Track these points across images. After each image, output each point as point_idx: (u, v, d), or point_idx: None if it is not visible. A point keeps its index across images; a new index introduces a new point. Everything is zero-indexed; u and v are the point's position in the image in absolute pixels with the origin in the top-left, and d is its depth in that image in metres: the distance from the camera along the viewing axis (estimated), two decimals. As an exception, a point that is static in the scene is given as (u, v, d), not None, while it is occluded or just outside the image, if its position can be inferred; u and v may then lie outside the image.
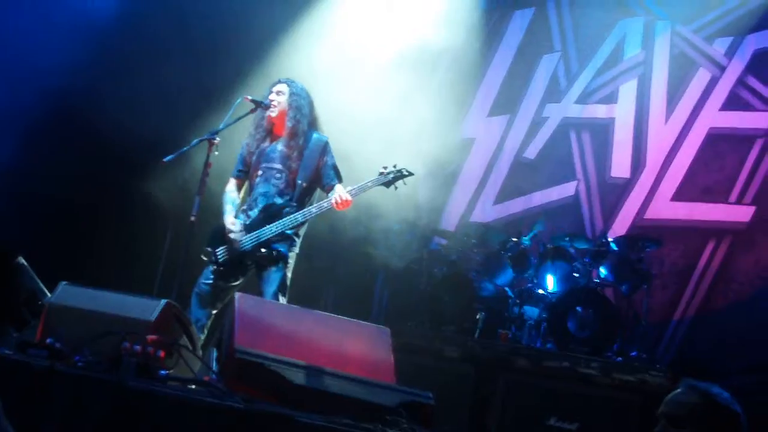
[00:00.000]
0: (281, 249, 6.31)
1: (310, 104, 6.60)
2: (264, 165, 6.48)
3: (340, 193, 6.23)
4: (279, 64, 9.02)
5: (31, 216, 8.28)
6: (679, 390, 3.65)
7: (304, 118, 6.50)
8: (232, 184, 6.63)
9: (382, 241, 9.22)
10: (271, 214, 6.33)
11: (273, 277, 6.29)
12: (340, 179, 6.45)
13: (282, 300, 6.23)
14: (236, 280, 6.40)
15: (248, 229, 6.35)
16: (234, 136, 6.69)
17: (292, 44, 9.48)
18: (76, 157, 8.51)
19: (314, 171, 6.44)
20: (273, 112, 6.52)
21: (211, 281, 6.36)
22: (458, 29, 10.32)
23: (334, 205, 6.21)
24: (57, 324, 4.70)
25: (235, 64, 9.26)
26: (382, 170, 6.33)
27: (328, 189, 6.39)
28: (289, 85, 6.59)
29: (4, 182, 8.12)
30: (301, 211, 6.30)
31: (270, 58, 9.32)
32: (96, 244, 8.87)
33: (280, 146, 6.49)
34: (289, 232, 6.33)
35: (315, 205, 6.34)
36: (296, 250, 6.45)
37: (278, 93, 6.56)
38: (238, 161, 6.66)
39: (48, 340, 4.53)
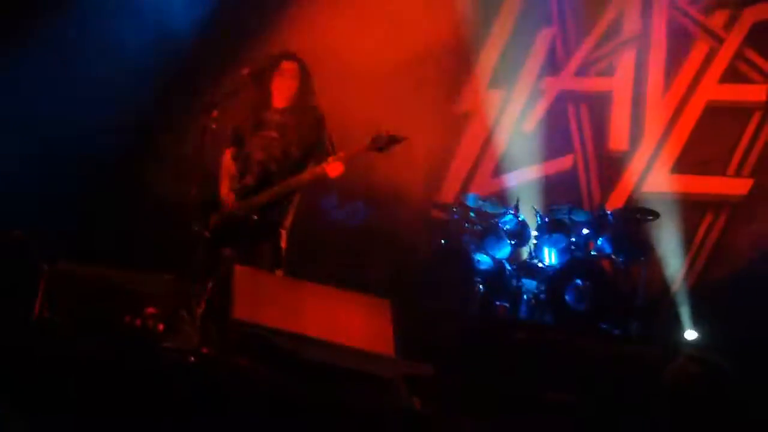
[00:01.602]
0: (274, 216, 6.31)
1: (312, 79, 6.59)
2: (261, 133, 6.46)
3: (332, 159, 6.22)
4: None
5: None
6: (679, 361, 3.66)
7: (306, 94, 6.50)
8: (228, 155, 6.61)
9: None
10: (264, 181, 6.32)
11: (266, 247, 6.29)
12: (335, 152, 6.43)
13: (278, 271, 6.22)
14: (230, 249, 6.38)
15: (241, 196, 6.34)
16: (232, 109, 6.66)
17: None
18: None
19: (310, 143, 6.43)
20: (279, 89, 6.50)
21: (205, 251, 6.35)
22: (457, 2, 10.32)
23: (327, 170, 6.20)
24: (55, 298, 4.71)
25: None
26: (375, 135, 6.29)
27: (323, 160, 6.37)
28: (300, 67, 6.57)
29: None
30: (294, 178, 6.29)
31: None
32: (97, 219, 8.91)
33: (278, 116, 6.47)
34: (281, 200, 6.33)
35: (308, 171, 6.31)
36: (290, 218, 6.44)
37: (290, 74, 6.52)
38: (234, 130, 6.64)
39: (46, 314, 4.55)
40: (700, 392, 3.54)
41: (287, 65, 6.51)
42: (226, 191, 6.40)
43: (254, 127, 6.50)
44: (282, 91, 6.49)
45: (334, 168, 6.18)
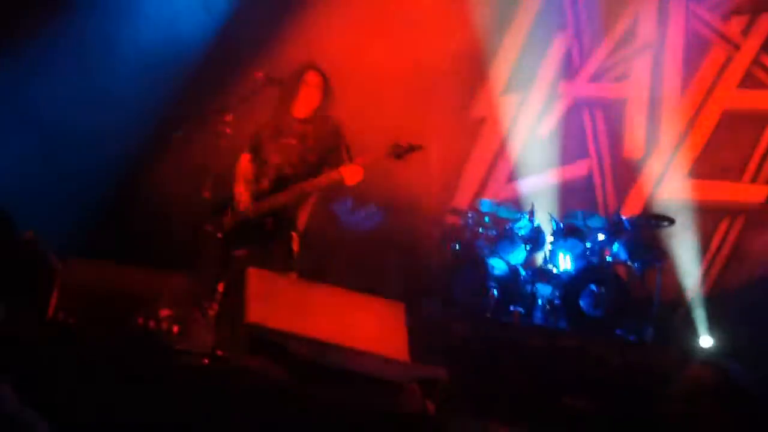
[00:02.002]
0: (287, 219, 6.31)
1: (332, 90, 6.60)
2: (280, 141, 6.47)
3: (349, 165, 6.22)
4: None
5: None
6: (693, 366, 3.65)
7: (327, 105, 6.52)
8: (244, 159, 6.62)
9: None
10: (279, 184, 6.33)
11: (279, 249, 6.29)
12: (351, 159, 6.43)
13: (291, 273, 6.21)
14: (243, 250, 6.38)
15: (256, 198, 6.35)
16: (247, 113, 6.66)
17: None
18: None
19: (327, 150, 6.43)
20: (302, 101, 6.51)
21: (218, 252, 6.35)
22: (472, 8, 10.31)
23: (345, 176, 6.20)
24: (69, 299, 4.71)
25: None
26: (394, 143, 6.30)
27: (338, 166, 6.37)
28: (323, 79, 6.58)
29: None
30: (309, 181, 6.29)
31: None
32: (113, 218, 8.95)
33: (298, 125, 6.48)
34: (296, 203, 6.33)
35: (324, 175, 6.31)
36: (303, 221, 6.44)
37: (317, 88, 6.54)
38: (253, 136, 6.65)
39: (60, 315, 4.55)
40: (713, 399, 3.53)
41: (313, 77, 6.52)
42: (240, 192, 6.41)
43: (273, 134, 6.52)
44: (306, 102, 6.50)
45: (353, 174, 6.18)
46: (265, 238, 6.33)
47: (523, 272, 9.00)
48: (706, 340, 8.65)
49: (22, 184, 8.01)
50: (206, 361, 4.46)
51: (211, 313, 5.64)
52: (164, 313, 4.48)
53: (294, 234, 6.38)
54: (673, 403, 3.65)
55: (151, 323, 4.43)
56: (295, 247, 6.38)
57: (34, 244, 5.25)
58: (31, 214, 5.91)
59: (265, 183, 6.40)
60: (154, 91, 9.01)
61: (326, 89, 6.55)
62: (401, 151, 6.20)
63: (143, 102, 8.91)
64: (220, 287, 6.28)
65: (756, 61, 9.72)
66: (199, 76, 9.30)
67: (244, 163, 6.60)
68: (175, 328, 4.49)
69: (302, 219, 6.46)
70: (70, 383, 4.08)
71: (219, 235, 6.33)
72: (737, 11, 9.91)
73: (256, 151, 6.58)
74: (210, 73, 9.19)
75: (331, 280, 6.17)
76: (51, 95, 8.59)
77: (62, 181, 8.47)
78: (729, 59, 9.86)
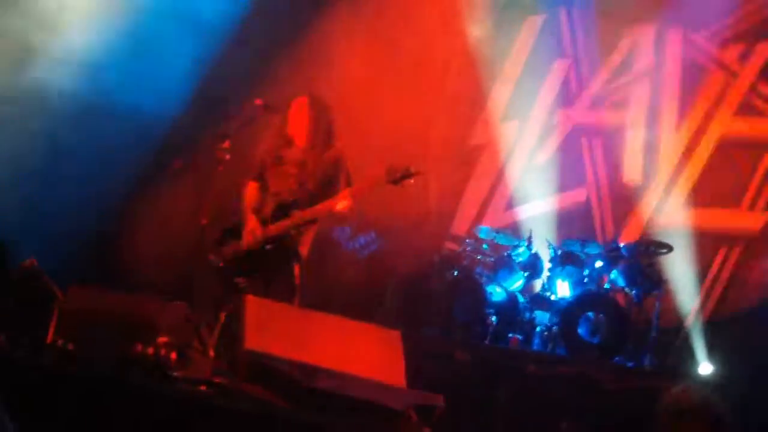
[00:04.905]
0: (289, 247, 6.33)
1: (329, 117, 6.63)
2: (280, 168, 6.51)
3: (343, 197, 6.22)
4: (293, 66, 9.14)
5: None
6: (678, 389, 3.73)
7: (322, 130, 6.53)
8: (251, 188, 6.64)
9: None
10: (279, 212, 6.35)
11: (281, 279, 6.30)
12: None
13: (292, 302, 6.23)
14: (246, 280, 6.40)
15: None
16: (245, 139, 6.70)
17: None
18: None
19: (327, 180, 6.46)
20: (294, 125, 6.55)
21: (221, 281, 6.37)
22: (469, 36, 10.37)
23: (333, 204, 6.21)
24: (68, 325, 4.72)
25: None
26: (389, 168, 6.31)
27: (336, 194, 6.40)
28: (311, 100, 6.62)
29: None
30: (308, 210, 6.31)
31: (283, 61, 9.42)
32: (111, 246, 8.96)
33: (298, 154, 6.51)
34: (296, 231, 6.35)
35: (321, 204, 6.32)
36: (306, 249, 6.46)
37: (300, 106, 6.59)
38: (257, 165, 6.69)
39: (59, 342, 4.56)
40: (689, 420, 3.59)
41: (298, 100, 6.58)
42: (252, 225, 6.40)
43: (274, 162, 6.55)
44: (296, 125, 6.54)
45: (341, 202, 6.19)
46: (268, 266, 6.35)
47: (521, 299, 9.01)
48: (705, 367, 8.64)
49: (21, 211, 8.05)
50: (204, 387, 4.47)
51: (211, 341, 5.65)
52: (162, 340, 4.48)
53: (297, 262, 6.40)
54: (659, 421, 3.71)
55: (150, 350, 4.43)
56: (298, 274, 6.40)
57: (35, 271, 5.27)
58: (29, 242, 5.97)
59: (265, 211, 6.42)
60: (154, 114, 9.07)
61: (314, 109, 6.56)
62: (398, 177, 6.21)
63: (144, 128, 8.96)
64: (222, 316, 6.30)
65: (753, 89, 9.76)
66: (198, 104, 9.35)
67: (252, 191, 6.62)
68: (173, 355, 4.49)
69: (305, 247, 6.48)
70: (68, 408, 4.09)
71: (221, 264, 6.36)
72: (734, 39, 9.97)
73: (262, 179, 6.62)
74: (209, 100, 9.23)
75: (328, 307, 6.17)
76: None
77: (62, 209, 8.48)
78: (726, 86, 9.90)
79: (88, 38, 8.65)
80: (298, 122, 6.54)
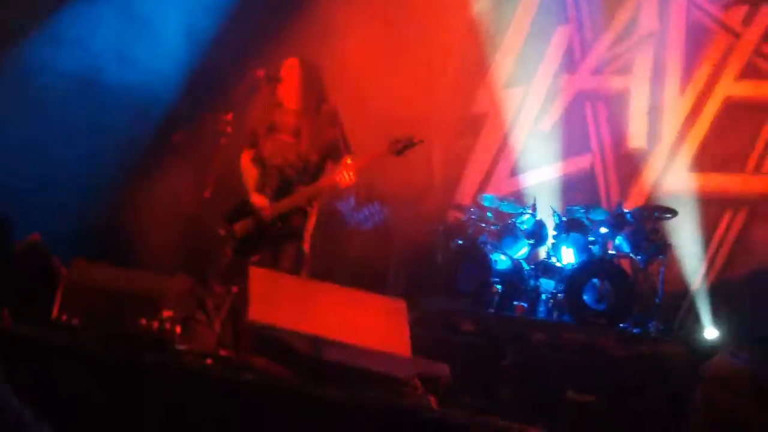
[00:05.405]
0: (296, 221, 6.32)
1: (321, 78, 6.57)
2: (275, 136, 6.46)
3: (345, 169, 6.18)
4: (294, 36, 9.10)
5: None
6: (719, 355, 3.72)
7: (314, 91, 6.48)
8: (247, 157, 6.60)
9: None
10: (283, 187, 6.33)
11: (289, 251, 6.29)
12: (349, 150, 6.41)
13: (300, 273, 6.22)
14: (255, 256, 6.39)
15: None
16: (246, 110, 6.67)
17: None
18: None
19: (325, 143, 6.42)
20: (284, 87, 6.50)
21: (230, 257, 6.37)
22: (472, 2, 10.32)
23: (338, 181, 6.19)
24: (73, 300, 4.73)
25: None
26: (392, 139, 6.28)
27: (339, 160, 6.36)
28: (300, 60, 6.58)
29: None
30: (312, 186, 6.29)
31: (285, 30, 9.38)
32: (114, 221, 8.96)
33: (291, 118, 6.47)
34: (303, 205, 6.33)
35: (323, 179, 6.30)
36: (312, 221, 6.44)
37: (290, 67, 6.54)
38: (250, 134, 6.65)
39: (64, 317, 4.57)
40: (741, 385, 3.57)
41: (288, 62, 6.52)
42: (258, 198, 6.38)
43: (268, 129, 6.50)
44: (288, 88, 6.47)
45: (345, 179, 6.16)
46: (276, 241, 6.34)
47: (526, 267, 9.01)
48: (710, 332, 8.65)
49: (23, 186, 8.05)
50: (209, 361, 4.48)
51: (220, 314, 5.66)
52: (167, 314, 4.49)
53: (305, 234, 6.38)
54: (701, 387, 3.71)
55: (154, 324, 4.44)
56: (306, 247, 6.39)
57: (39, 246, 5.28)
58: (33, 218, 5.97)
59: (270, 186, 6.39)
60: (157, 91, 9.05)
61: (305, 69, 6.50)
62: (400, 147, 6.18)
63: (144, 104, 8.94)
64: (232, 290, 6.30)
65: (757, 51, 9.69)
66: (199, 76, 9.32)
67: (247, 162, 6.58)
68: (178, 329, 4.50)
69: (311, 221, 6.46)
70: (71, 384, 4.10)
71: (231, 239, 6.35)
72: (738, 1, 9.89)
73: (255, 146, 6.58)
74: (210, 72, 9.20)
75: (334, 277, 6.18)
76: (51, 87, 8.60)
77: (64, 183, 8.49)
78: (730, 49, 9.83)
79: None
80: (288, 84, 6.49)
